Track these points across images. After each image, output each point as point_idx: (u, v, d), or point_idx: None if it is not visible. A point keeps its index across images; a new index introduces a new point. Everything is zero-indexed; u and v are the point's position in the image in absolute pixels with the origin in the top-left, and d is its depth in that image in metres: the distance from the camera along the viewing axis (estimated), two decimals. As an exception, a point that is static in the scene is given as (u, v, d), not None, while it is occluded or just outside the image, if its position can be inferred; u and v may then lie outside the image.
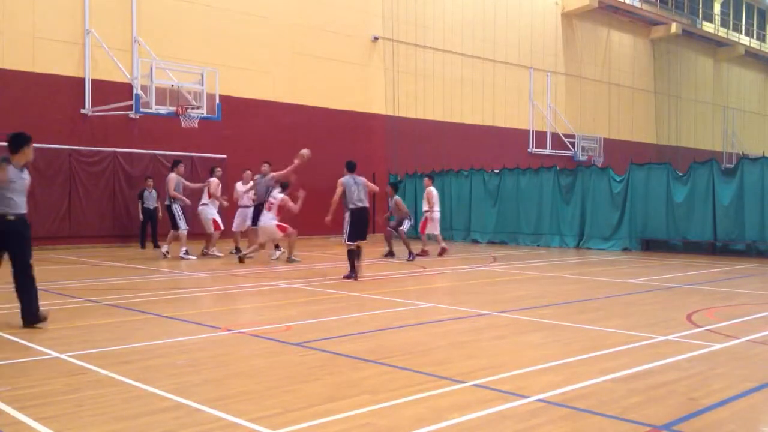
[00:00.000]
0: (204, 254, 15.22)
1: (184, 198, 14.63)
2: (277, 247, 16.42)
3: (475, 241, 20.98)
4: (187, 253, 14.48)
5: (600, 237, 18.38)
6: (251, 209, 15.28)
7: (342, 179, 11.42)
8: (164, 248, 15.02)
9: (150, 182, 18.06)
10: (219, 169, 16.05)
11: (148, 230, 18.08)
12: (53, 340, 6.32)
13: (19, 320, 6.95)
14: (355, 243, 11.20)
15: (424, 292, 9.97)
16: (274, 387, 4.81)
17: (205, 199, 15.28)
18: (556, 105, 31.70)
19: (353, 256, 11.11)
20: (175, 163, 15.03)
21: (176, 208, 14.48)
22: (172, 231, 14.75)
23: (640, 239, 17.81)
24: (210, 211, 15.26)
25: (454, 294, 9.83)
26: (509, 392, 4.66)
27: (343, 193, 11.29)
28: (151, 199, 17.96)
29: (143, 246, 17.95)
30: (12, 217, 6.86)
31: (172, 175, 14.58)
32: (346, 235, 11.35)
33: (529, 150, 30.18)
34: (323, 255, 16.26)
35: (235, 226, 15.77)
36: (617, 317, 7.77)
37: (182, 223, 14.53)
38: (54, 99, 17.63)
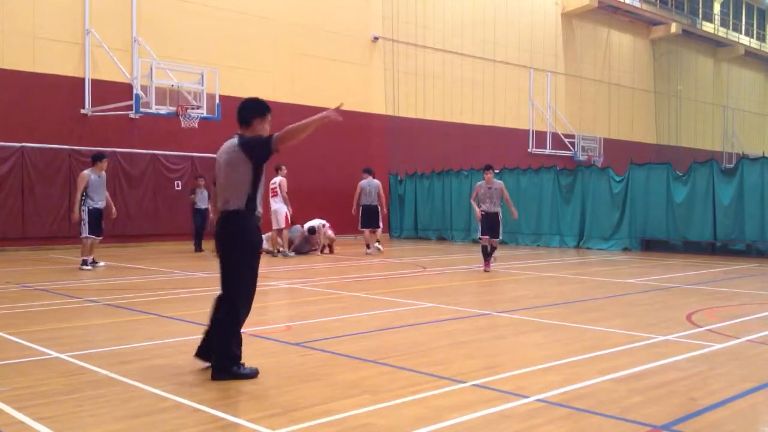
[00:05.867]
0: (277, 254, 15.42)
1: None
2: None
3: (475, 241, 20.96)
4: (93, 261, 12.87)
5: (600, 237, 18.37)
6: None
7: (479, 183, 13.27)
8: (100, 264, 13.17)
9: (201, 181, 17.06)
10: (284, 166, 15.56)
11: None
12: (53, 340, 6.31)
13: None
14: (484, 238, 12.97)
15: (424, 292, 9.97)
16: (274, 387, 4.81)
17: (278, 199, 15.31)
18: (556, 105, 31.68)
19: (484, 250, 12.98)
20: (99, 157, 12.79)
21: (84, 211, 12.53)
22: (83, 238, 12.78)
23: (640, 239, 17.80)
24: (282, 207, 15.41)
25: (454, 294, 9.83)
26: (509, 392, 4.66)
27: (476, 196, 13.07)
28: (203, 200, 16.89)
29: (199, 249, 16.71)
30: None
31: (86, 172, 12.62)
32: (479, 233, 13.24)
33: (529, 150, 30.16)
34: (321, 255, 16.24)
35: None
36: (617, 317, 7.77)
37: (85, 230, 12.56)
38: (54, 99, 17.63)
